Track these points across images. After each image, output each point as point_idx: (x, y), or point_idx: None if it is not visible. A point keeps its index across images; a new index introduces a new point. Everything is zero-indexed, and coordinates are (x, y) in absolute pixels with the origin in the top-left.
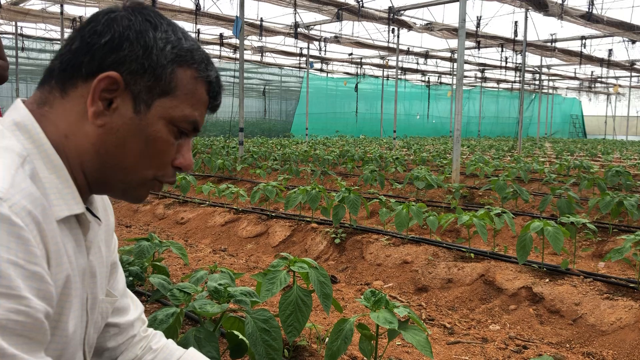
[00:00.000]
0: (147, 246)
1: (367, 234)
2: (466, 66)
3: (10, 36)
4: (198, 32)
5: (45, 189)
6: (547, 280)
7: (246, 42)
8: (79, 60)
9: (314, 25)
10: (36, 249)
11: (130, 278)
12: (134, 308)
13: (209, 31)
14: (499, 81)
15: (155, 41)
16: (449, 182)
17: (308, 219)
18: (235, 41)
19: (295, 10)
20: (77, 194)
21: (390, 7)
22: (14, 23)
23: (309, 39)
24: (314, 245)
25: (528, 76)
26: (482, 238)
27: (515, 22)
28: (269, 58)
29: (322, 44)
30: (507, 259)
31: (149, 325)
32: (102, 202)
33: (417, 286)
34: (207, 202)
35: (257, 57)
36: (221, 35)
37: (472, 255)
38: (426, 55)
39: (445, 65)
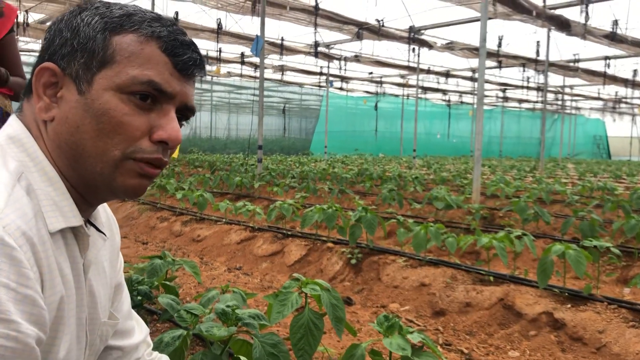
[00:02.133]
0: (160, 264)
1: (384, 255)
2: (487, 86)
3: (37, 54)
4: (220, 50)
5: (41, 202)
6: (569, 305)
7: (267, 61)
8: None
9: (335, 44)
10: (29, 272)
11: (139, 297)
12: (139, 331)
13: (231, 50)
14: (520, 101)
15: (82, 19)
16: (469, 202)
17: (324, 239)
18: (256, 60)
19: (315, 29)
20: (74, 206)
21: (410, 27)
22: (40, 41)
23: (329, 57)
24: (330, 266)
25: (550, 96)
26: (502, 261)
27: (537, 42)
28: (289, 76)
29: (342, 62)
30: (528, 282)
31: (155, 348)
32: (108, 221)
33: (434, 310)
34: (224, 220)
35: (277, 76)
36: (242, 54)
37: (492, 278)
38: (447, 74)
39: (466, 85)
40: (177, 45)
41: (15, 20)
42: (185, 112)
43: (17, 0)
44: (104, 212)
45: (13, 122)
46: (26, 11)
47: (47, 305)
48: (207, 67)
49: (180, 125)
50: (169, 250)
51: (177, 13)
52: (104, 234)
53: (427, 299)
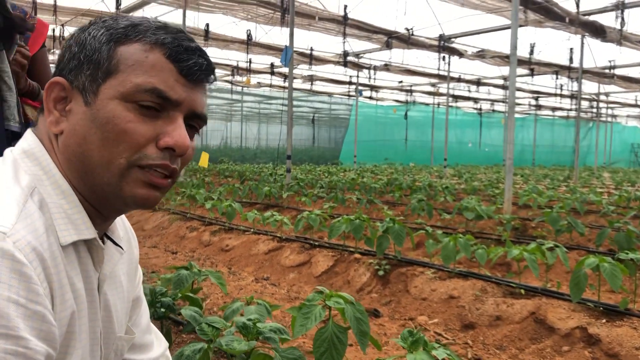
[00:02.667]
0: (186, 275)
1: (412, 267)
2: (519, 94)
3: None
4: (250, 61)
5: (53, 215)
6: (604, 320)
7: (296, 71)
8: None
9: (364, 53)
10: (39, 287)
11: (163, 309)
12: (158, 345)
13: (261, 60)
14: (554, 109)
15: (89, 33)
16: (500, 213)
17: (351, 249)
18: (285, 70)
19: (344, 39)
20: (87, 219)
21: (440, 35)
22: None
23: (359, 67)
24: (357, 277)
25: (585, 104)
26: (533, 273)
27: (571, 49)
28: (318, 86)
29: (372, 71)
30: (560, 296)
31: None
32: (126, 234)
33: (463, 323)
34: (252, 230)
35: (306, 86)
36: (272, 65)
37: (523, 291)
38: (478, 82)
39: (498, 93)
40: (181, 51)
41: (53, 34)
42: (195, 120)
43: (52, 14)
44: (122, 226)
45: (28, 136)
46: (62, 25)
47: (58, 320)
48: (238, 78)
49: (193, 134)
50: (197, 260)
51: (207, 25)
52: (121, 247)
53: (456, 312)
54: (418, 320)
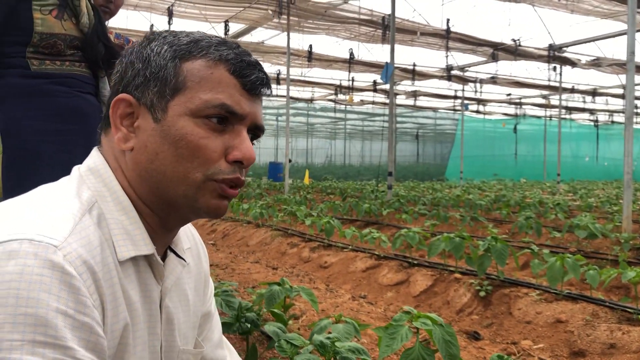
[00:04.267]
0: (278, 291)
1: (516, 287)
2: None
3: None
4: (352, 79)
5: (112, 231)
6: None
7: (399, 87)
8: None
9: (469, 66)
10: (88, 299)
11: (248, 324)
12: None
13: (363, 78)
14: None
15: (152, 49)
16: (618, 231)
17: (452, 269)
18: (388, 87)
19: (447, 52)
20: (146, 235)
21: (550, 45)
22: None
23: (464, 80)
24: (457, 297)
25: None
26: None
27: None
28: (422, 101)
29: (478, 85)
30: None
31: None
32: (195, 247)
33: (572, 349)
34: (350, 247)
35: (410, 102)
36: (374, 82)
37: None
38: (594, 92)
39: (617, 103)
40: (244, 67)
41: None
42: (255, 132)
43: None
44: (192, 239)
45: (94, 154)
46: None
47: (110, 332)
48: (341, 97)
49: (252, 144)
50: (297, 276)
51: (310, 46)
52: (183, 260)
53: (563, 337)
54: (521, 344)
